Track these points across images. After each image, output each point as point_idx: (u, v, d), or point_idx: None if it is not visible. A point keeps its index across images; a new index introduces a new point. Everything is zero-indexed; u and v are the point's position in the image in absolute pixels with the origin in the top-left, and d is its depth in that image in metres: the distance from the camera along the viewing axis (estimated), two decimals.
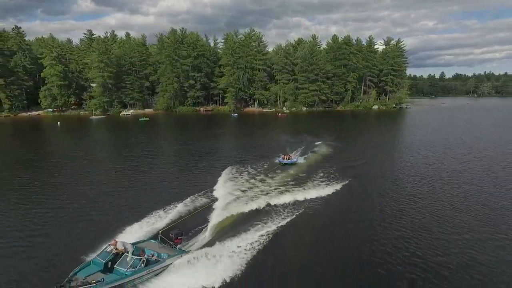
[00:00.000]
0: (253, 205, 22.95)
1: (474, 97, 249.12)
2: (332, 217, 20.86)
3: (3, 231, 18.43)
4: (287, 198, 24.11)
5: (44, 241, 17.30)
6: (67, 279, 12.49)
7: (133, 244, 14.96)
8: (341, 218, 20.67)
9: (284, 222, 20.04)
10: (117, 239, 14.60)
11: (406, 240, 17.22)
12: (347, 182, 26.63)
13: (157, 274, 14.07)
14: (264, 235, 18.33)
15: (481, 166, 32.19)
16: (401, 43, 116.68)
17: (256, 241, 17.55)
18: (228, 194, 24.41)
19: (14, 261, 15.33)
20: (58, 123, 69.22)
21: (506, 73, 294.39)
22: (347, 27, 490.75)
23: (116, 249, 14.02)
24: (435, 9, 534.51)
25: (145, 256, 14.12)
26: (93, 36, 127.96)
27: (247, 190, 25.52)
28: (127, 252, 13.94)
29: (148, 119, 77.73)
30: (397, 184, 26.77)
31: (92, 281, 12.43)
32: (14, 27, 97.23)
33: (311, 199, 23.60)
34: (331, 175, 28.66)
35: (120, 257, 13.72)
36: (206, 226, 19.03)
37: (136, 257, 13.73)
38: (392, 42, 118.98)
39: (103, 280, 12.56)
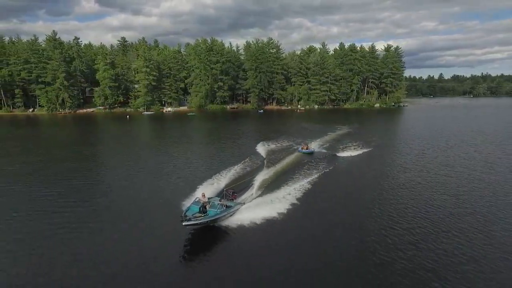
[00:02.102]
0: (287, 166, 30.72)
1: (470, 97, 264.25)
2: (357, 170, 31.52)
3: (138, 186, 26.80)
4: (316, 159, 33.65)
5: (156, 194, 24.80)
6: (183, 215, 17.72)
7: (209, 199, 20.62)
8: (365, 171, 31.29)
9: (314, 177, 27.45)
10: (204, 193, 20.71)
11: (408, 178, 29.56)
12: (368, 149, 40.75)
13: (231, 215, 19.96)
14: (297, 187, 24.95)
15: (442, 136, 50.71)
16: (399, 50, 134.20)
17: (290, 192, 23.97)
18: (266, 159, 34.10)
19: (145, 208, 22.11)
20: (127, 116, 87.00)
21: (502, 74, 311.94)
22: (348, 28, 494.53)
23: (203, 200, 19.77)
24: (435, 10, 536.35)
25: (224, 204, 19.99)
26: (126, 43, 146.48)
27: (282, 156, 35.88)
28: (209, 202, 19.67)
29: (195, 114, 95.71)
30: (402, 149, 43.19)
31: (200, 215, 18.03)
32: (74, 38, 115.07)
33: (339, 156, 36.62)
34: (354, 145, 43.29)
35: (204, 205, 19.12)
36: (253, 185, 25.63)
37: (219, 203, 19.72)
38: (391, 48, 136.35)
39: (208, 214, 18.33)
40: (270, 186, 25.59)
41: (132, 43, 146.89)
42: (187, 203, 20.70)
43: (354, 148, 41.44)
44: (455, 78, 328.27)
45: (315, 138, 48.64)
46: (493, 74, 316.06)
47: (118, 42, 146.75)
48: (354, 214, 21.09)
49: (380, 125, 73.82)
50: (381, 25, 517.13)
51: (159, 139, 53.64)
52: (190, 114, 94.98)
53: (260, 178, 27.35)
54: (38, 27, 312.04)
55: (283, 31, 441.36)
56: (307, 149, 38.57)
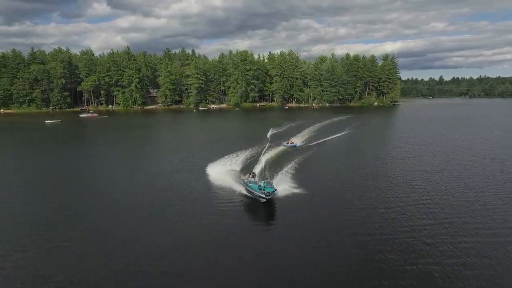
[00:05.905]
0: (277, 156, 38.51)
1: (466, 98, 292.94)
2: (347, 147, 66.90)
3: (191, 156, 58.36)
4: (316, 139, 51.26)
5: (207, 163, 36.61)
6: (262, 192, 23.37)
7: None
8: (353, 146, 65.52)
9: (311, 153, 39.92)
10: (253, 174, 27.54)
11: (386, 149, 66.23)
12: (360, 129, 74.14)
13: None
14: (299, 162, 35.32)
15: (425, 124, 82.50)
16: (394, 59, 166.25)
17: (293, 165, 33.85)
18: (276, 141, 48.26)
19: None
20: (194, 110, 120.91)
21: (499, 76, 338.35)
22: (356, 29, 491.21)
23: (253, 180, 26.22)
24: (445, 11, 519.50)
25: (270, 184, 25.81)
26: (169, 52, 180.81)
27: (279, 146, 45.20)
28: (257, 182, 25.53)
29: (239, 109, 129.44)
30: (390, 130, 76.00)
31: (267, 192, 23.20)
32: (142, 51, 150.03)
33: (335, 136, 65.33)
34: (352, 126, 76.66)
35: (258, 184, 24.92)
36: (262, 168, 32.99)
37: (267, 182, 25.62)
38: (388, 57, 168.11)
39: (270, 191, 23.52)
40: (275, 163, 35.15)
41: (175, 52, 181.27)
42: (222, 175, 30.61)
43: (350, 128, 73.09)
44: (455, 80, 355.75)
45: (324, 120, 79.70)
46: (492, 76, 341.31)
47: (164, 52, 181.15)
48: (337, 179, 31.38)
49: (373, 115, 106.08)
50: (390, 26, 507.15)
51: (219, 123, 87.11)
52: (236, 109, 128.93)
53: (265, 158, 34.19)
54: (51, 29, 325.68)
55: (291, 32, 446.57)
56: (291, 143, 44.46)
